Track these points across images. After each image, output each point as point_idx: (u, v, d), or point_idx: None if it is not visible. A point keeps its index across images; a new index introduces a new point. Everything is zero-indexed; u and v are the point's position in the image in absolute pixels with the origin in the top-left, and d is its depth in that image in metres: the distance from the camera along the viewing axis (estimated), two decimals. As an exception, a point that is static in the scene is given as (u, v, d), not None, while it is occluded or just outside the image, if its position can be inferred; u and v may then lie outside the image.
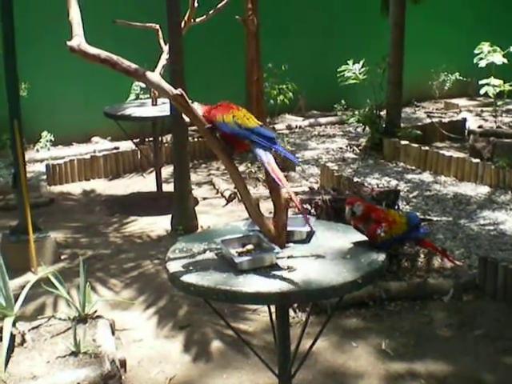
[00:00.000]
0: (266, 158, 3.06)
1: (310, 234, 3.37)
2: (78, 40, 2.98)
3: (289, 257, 3.14)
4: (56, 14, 9.11)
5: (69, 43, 2.96)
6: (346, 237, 3.36)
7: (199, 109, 3.07)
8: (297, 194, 5.08)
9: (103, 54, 2.97)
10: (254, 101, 3.17)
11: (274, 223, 3.21)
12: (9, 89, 5.74)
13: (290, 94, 9.65)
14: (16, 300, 4.59)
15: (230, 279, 2.95)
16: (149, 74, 2.96)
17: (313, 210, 5.16)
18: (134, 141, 8.42)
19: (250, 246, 3.21)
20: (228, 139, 3.11)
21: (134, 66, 2.97)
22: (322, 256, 3.15)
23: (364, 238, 3.28)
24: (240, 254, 3.12)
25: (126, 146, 9.39)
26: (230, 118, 3.06)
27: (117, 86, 9.04)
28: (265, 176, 3.22)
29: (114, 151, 9.08)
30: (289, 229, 3.28)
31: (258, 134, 3.07)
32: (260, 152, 3.06)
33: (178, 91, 2.90)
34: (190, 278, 2.98)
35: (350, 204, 3.28)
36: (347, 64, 9.28)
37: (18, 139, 5.70)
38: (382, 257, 3.12)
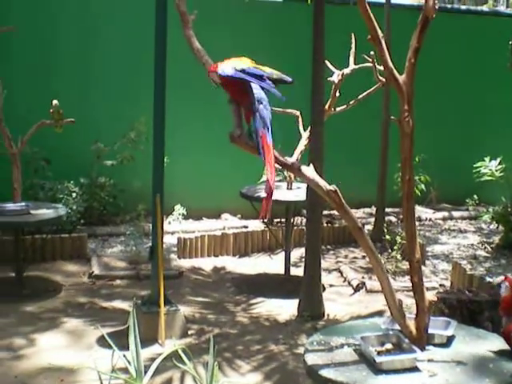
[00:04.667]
0: (262, 131, 3.25)
1: (451, 339, 3.33)
2: (239, 131, 3.10)
3: (429, 360, 3.10)
4: (200, 98, 9.62)
5: (230, 133, 3.09)
6: (488, 344, 3.30)
7: None
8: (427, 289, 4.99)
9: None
10: (405, 199, 3.18)
11: (416, 324, 3.19)
12: (155, 164, 5.96)
13: (422, 185, 9.60)
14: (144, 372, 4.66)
15: (369, 378, 2.93)
16: (304, 168, 3.04)
17: (446, 311, 5.08)
18: (264, 221, 8.55)
19: (389, 346, 3.19)
20: (233, 93, 3.42)
21: (290, 160, 3.06)
22: (463, 363, 3.09)
23: (506, 346, 3.20)
24: (379, 353, 3.10)
25: (254, 224, 9.54)
26: (227, 65, 3.40)
27: (249, 166, 9.24)
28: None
29: (244, 230, 9.23)
30: (429, 331, 3.25)
31: (248, 74, 3.33)
32: (258, 124, 3.26)
33: (332, 187, 2.97)
34: (329, 373, 2.98)
35: (506, 280, 3.27)
36: (484, 160, 9.19)
37: (159, 213, 5.87)
38: (525, 369, 3.04)
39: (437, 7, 3.10)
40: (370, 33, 3.07)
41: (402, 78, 3.11)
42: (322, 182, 3.02)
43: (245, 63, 3.35)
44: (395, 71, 3.13)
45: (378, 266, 3.14)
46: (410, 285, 3.34)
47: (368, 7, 3.07)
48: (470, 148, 10.87)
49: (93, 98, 9.74)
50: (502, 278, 3.35)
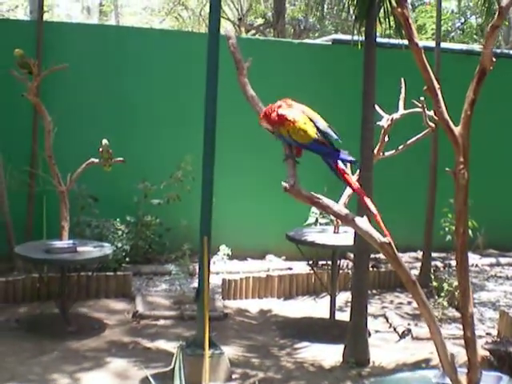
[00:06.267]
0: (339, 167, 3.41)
1: (503, 395, 3.26)
2: (293, 180, 3.10)
3: (481, 418, 3.03)
4: (246, 138, 9.68)
5: (283, 183, 3.09)
6: (542, 402, 3.22)
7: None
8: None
9: (315, 197, 3.07)
10: (459, 252, 3.13)
11: (468, 379, 3.12)
12: (203, 206, 5.97)
13: (469, 231, 9.47)
14: (189, 416, 4.62)
15: None
16: (358, 219, 3.02)
17: (495, 363, 4.98)
18: (309, 263, 8.49)
19: (440, 401, 3.13)
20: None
21: (344, 210, 3.05)
22: (516, 422, 3.02)
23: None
24: (431, 409, 3.05)
25: (299, 267, 9.50)
26: (285, 132, 3.37)
27: (294, 207, 9.24)
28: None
29: (289, 272, 9.18)
30: (481, 387, 3.18)
31: (312, 150, 3.35)
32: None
33: (386, 239, 2.93)
34: (379, 428, 2.93)
35: None
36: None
37: (206, 255, 5.88)
38: None
39: (494, 59, 3.06)
40: (426, 83, 3.05)
41: (457, 130, 3.08)
42: (376, 234, 2.99)
43: (304, 135, 3.34)
44: (451, 123, 3.10)
45: (430, 320, 3.08)
46: (457, 332, 3.29)
47: (424, 57, 3.05)
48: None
49: (140, 138, 9.83)
50: None
